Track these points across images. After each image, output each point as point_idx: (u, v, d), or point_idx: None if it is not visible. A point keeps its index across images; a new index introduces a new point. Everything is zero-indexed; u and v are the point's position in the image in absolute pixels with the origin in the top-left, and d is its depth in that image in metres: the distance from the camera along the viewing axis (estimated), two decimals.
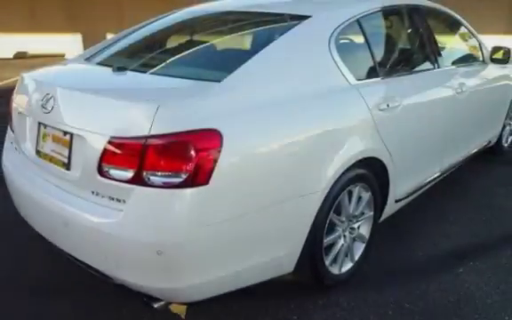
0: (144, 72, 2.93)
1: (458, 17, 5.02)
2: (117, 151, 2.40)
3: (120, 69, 2.94)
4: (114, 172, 2.42)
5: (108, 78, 2.93)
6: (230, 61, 2.82)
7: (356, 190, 3.18)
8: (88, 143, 2.47)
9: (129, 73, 2.93)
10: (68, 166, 2.64)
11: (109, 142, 2.40)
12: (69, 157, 2.63)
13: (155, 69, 2.96)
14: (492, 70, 5.25)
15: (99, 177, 2.46)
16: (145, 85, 2.77)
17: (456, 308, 3.11)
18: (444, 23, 4.97)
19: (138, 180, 2.35)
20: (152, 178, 2.33)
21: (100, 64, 3.26)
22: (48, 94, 2.75)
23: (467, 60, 4.96)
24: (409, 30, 4.35)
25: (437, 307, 3.12)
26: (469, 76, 4.65)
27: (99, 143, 2.43)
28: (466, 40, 5.15)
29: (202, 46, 3.51)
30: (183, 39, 3.72)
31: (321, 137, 2.82)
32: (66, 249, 2.70)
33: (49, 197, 2.69)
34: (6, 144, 3.31)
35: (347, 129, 3.02)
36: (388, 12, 4.02)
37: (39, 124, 2.85)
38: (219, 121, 2.37)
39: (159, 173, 2.33)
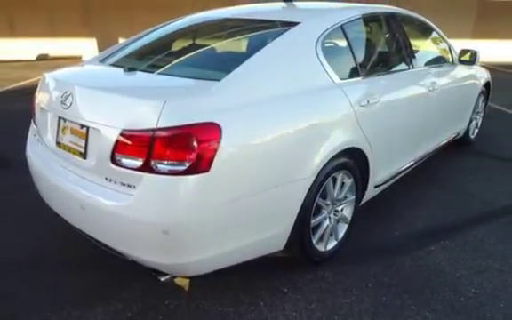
0: (152, 72, 2.91)
1: (430, 23, 5.02)
2: (128, 142, 2.39)
3: (130, 70, 2.92)
4: (125, 161, 2.42)
5: (120, 78, 2.91)
6: (229, 63, 2.80)
7: (340, 177, 3.18)
8: (102, 135, 2.47)
9: (138, 73, 2.92)
10: (84, 155, 2.63)
11: (121, 134, 2.40)
12: (86, 148, 2.62)
13: (161, 70, 2.95)
14: (461, 70, 5.25)
15: (112, 165, 2.46)
16: (153, 84, 2.76)
17: (428, 281, 3.12)
18: (418, 29, 4.96)
19: (146, 167, 2.35)
20: (159, 166, 2.32)
21: (113, 65, 3.24)
22: (67, 92, 2.74)
23: (438, 61, 4.96)
24: (386, 35, 4.34)
25: (412, 280, 3.13)
26: (440, 76, 4.65)
27: (112, 135, 2.43)
28: (437, 44, 5.14)
29: (203, 49, 3.49)
30: (187, 43, 3.70)
31: (309, 130, 2.82)
32: (83, 229, 2.69)
33: (68, 183, 2.69)
34: (30, 136, 3.29)
35: (332, 123, 3.02)
36: (367, 19, 4.01)
37: (59, 118, 2.84)
38: (218, 115, 2.37)
39: (165, 162, 2.33)
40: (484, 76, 6.01)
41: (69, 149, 2.75)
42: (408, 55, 4.25)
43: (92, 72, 3.27)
